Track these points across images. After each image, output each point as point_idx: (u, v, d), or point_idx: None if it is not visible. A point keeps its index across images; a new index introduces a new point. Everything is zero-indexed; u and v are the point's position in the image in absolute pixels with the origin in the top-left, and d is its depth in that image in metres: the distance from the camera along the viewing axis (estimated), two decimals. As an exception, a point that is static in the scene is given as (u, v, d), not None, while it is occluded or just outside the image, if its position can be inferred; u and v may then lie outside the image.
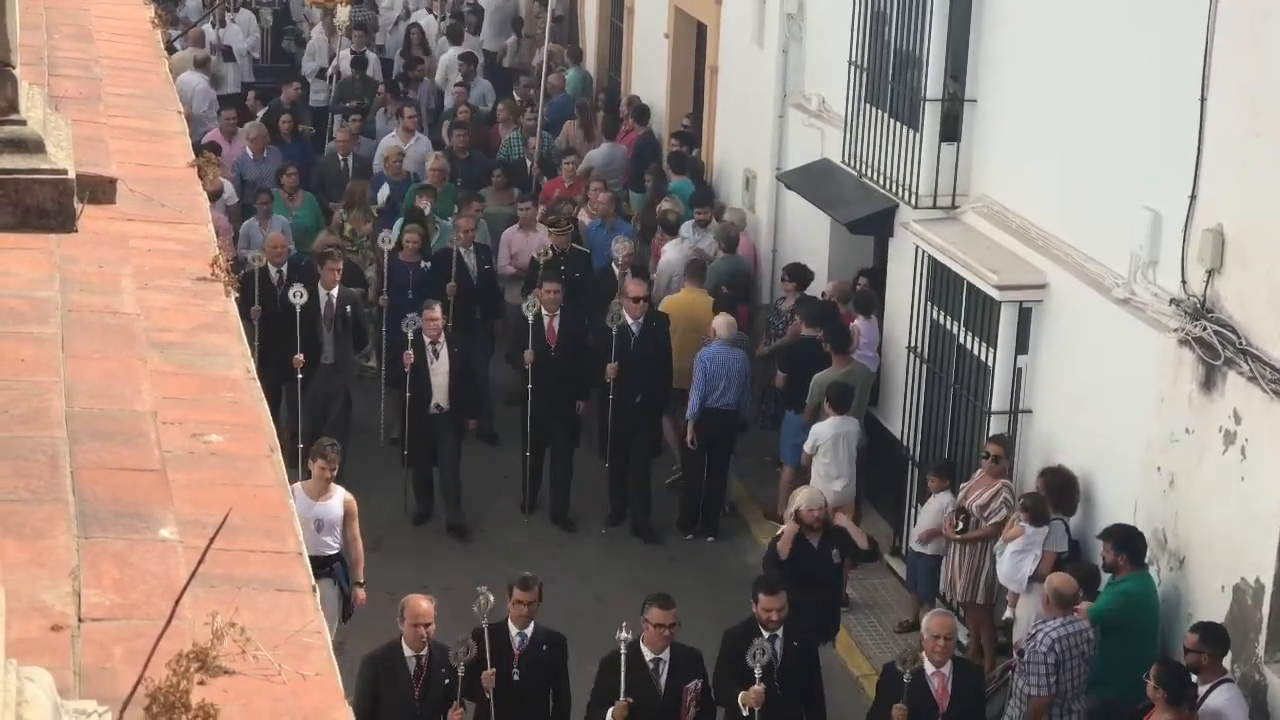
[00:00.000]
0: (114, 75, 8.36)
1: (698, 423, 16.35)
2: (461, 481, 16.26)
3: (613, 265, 17.86)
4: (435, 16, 28.45)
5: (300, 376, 15.72)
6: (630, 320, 16.30)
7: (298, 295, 15.59)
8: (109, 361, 5.09)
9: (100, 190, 6.30)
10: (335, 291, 16.37)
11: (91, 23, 9.38)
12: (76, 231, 5.94)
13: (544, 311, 16.31)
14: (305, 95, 24.98)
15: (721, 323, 16.59)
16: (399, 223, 18.55)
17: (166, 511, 4.24)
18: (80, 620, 3.68)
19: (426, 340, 15.87)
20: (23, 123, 5.77)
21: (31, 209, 5.80)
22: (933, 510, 14.34)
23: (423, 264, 17.83)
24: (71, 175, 5.90)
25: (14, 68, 5.70)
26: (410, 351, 15.74)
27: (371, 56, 26.27)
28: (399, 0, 29.83)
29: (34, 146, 5.77)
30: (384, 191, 20.55)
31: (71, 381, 4.87)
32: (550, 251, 18.04)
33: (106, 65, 8.49)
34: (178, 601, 3.65)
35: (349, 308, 16.45)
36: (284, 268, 17.19)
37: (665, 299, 17.72)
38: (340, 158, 21.68)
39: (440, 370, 15.96)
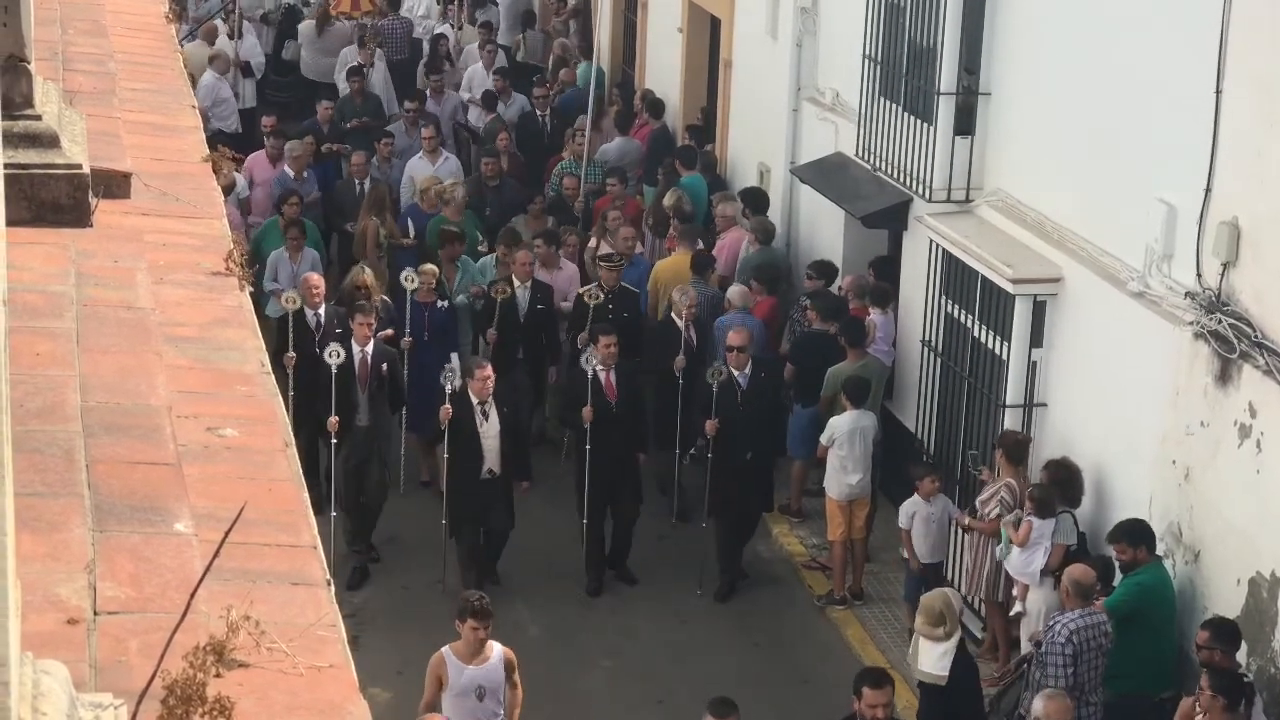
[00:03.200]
0: (128, 70, 8.38)
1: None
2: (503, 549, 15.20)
3: (673, 317, 16.52)
4: (453, 27, 27.44)
5: (335, 441, 14.68)
6: (735, 372, 15.21)
7: (334, 355, 14.43)
8: (124, 356, 5.09)
9: (115, 185, 6.31)
10: (369, 348, 15.12)
11: (105, 18, 9.40)
12: (91, 226, 5.95)
13: (599, 366, 15.19)
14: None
15: (735, 292, 17.00)
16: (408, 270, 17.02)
17: (181, 505, 4.25)
18: (96, 614, 3.69)
19: (475, 401, 14.57)
20: (38, 118, 5.77)
21: (46, 204, 5.80)
22: (924, 517, 14.37)
23: (439, 303, 16.76)
24: (86, 170, 5.91)
25: (29, 63, 5.70)
26: (449, 407, 14.40)
27: (379, 69, 25.00)
28: (434, 7, 28.88)
29: (49, 141, 5.78)
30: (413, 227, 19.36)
31: (86, 376, 4.87)
32: (600, 290, 16.83)
33: (121, 60, 8.51)
34: (193, 595, 3.66)
35: (385, 366, 15.24)
36: (320, 311, 15.99)
37: (658, 263, 18.30)
38: (356, 183, 20.28)
39: (490, 433, 14.66)
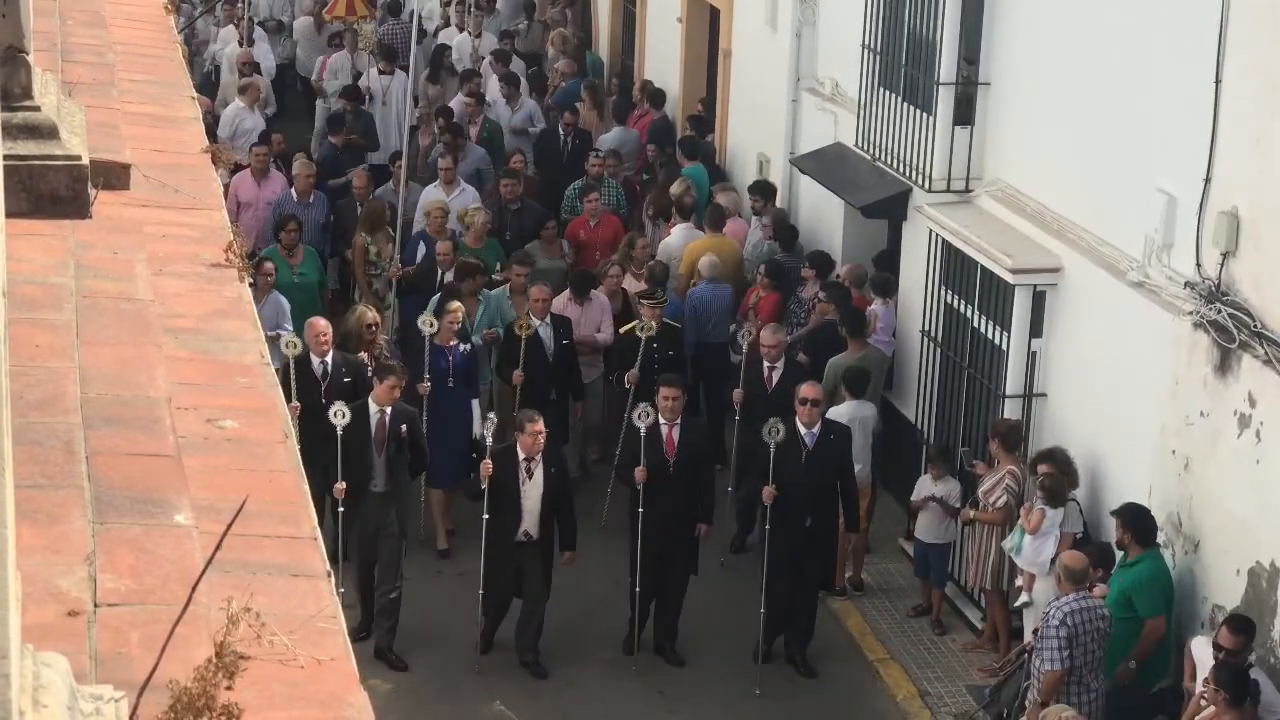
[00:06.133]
0: (127, 61, 8.36)
1: (694, 358, 16.76)
2: (544, 623, 13.88)
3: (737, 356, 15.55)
4: (463, 31, 26.42)
5: (342, 508, 13.35)
6: (803, 429, 13.78)
7: (339, 415, 13.12)
8: (123, 347, 5.08)
9: (114, 176, 6.30)
10: (389, 409, 13.81)
11: (104, 9, 9.38)
12: (90, 218, 5.94)
13: (661, 420, 13.90)
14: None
15: (705, 262, 17.26)
16: (434, 300, 16.11)
17: (181, 497, 4.24)
18: (96, 606, 3.68)
19: (521, 455, 13.37)
20: (36, 109, 5.76)
21: (46, 195, 5.80)
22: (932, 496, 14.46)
23: (461, 347, 15.53)
24: (85, 161, 5.90)
25: (28, 54, 5.70)
26: (489, 462, 13.34)
27: (399, 79, 23.20)
28: (436, 10, 28.27)
29: (48, 132, 5.77)
30: (422, 251, 18.17)
31: (86, 368, 4.86)
32: (641, 325, 15.79)
33: (120, 51, 8.49)
34: (194, 587, 3.66)
35: (404, 427, 13.87)
36: (328, 359, 14.59)
37: (690, 245, 18.00)
38: (359, 205, 19.02)
39: (533, 494, 13.44)
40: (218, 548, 3.75)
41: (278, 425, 4.87)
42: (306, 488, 4.56)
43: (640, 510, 13.70)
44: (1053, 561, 12.84)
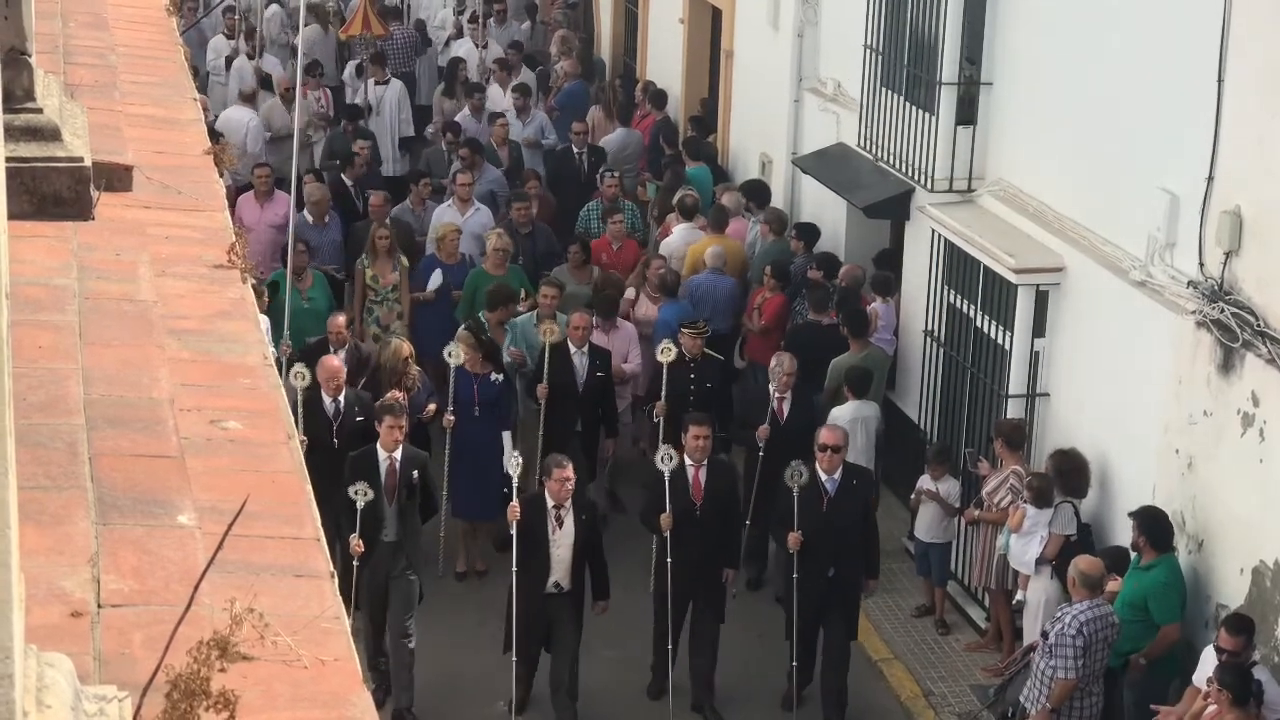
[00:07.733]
0: (129, 63, 8.36)
1: None
2: (579, 675, 13.09)
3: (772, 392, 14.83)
4: (477, 45, 25.78)
5: (357, 563, 12.60)
6: (823, 475, 13.04)
7: (361, 494, 12.39)
8: (126, 349, 5.09)
9: (116, 178, 6.30)
10: (398, 454, 13.09)
11: (106, 11, 9.39)
12: (93, 219, 5.95)
13: (688, 461, 13.17)
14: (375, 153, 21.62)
15: (711, 253, 17.34)
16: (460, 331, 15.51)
17: (184, 498, 4.24)
18: (99, 606, 3.69)
19: (550, 503, 12.65)
20: (39, 110, 5.77)
21: (48, 197, 5.80)
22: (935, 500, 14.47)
23: (492, 376, 15.10)
24: (88, 163, 5.90)
25: (30, 56, 5.70)
26: (517, 505, 12.66)
27: (394, 88, 23.07)
28: (449, 19, 27.81)
29: (50, 134, 5.78)
30: (435, 279, 17.54)
31: (89, 369, 4.87)
32: (677, 354, 15.02)
33: (122, 53, 8.50)
34: (196, 587, 3.66)
35: (415, 473, 13.18)
36: (341, 399, 14.08)
37: (691, 246, 17.93)
38: (375, 225, 17.90)
39: (563, 542, 12.70)
40: (219, 548, 3.75)
41: (281, 426, 4.87)
42: (310, 489, 4.56)
43: (669, 561, 13.05)
44: (1038, 562, 12.85)
